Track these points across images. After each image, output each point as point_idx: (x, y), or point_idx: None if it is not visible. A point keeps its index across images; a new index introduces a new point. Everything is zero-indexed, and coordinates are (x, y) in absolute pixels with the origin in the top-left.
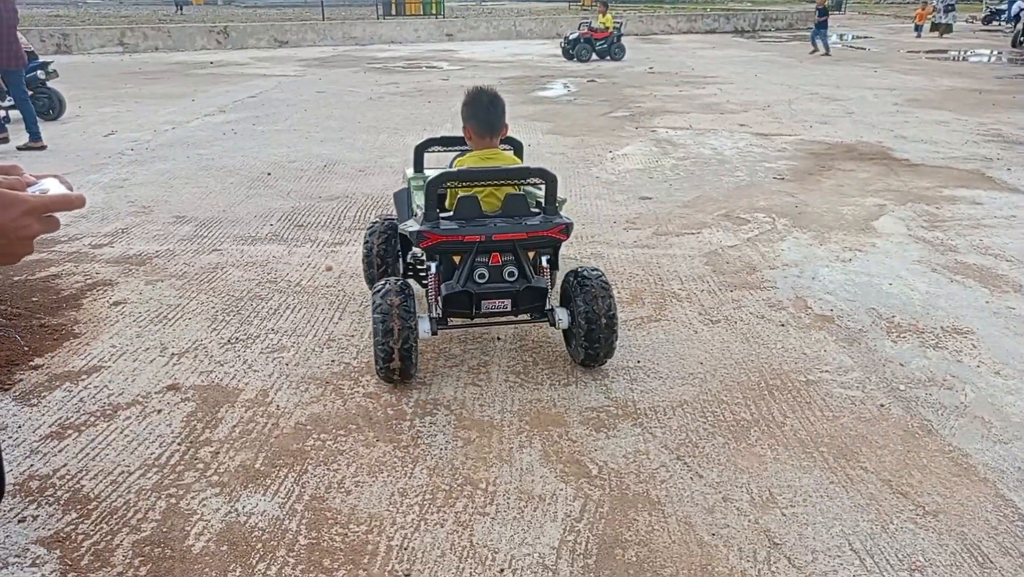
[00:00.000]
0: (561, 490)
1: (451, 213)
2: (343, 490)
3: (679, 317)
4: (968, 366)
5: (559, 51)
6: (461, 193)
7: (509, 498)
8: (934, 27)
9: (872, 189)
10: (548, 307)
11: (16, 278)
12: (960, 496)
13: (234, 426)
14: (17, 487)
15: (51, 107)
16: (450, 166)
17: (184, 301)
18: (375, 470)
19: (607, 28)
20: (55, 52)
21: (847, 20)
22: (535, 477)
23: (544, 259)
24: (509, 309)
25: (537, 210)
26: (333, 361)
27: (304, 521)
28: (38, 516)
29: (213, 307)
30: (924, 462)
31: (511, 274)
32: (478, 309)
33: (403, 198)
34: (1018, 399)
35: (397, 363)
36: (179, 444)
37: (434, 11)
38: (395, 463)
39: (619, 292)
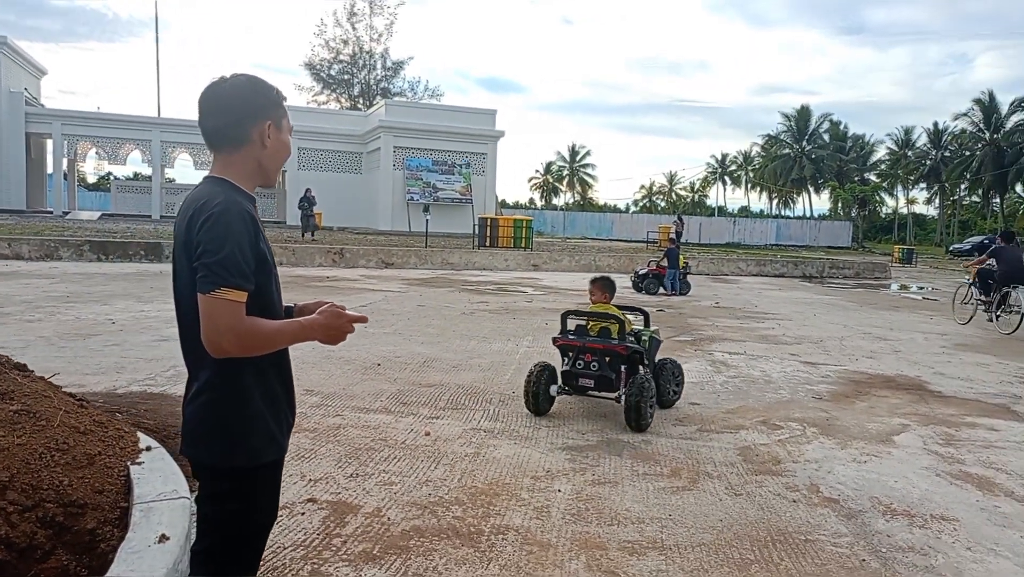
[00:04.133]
0: None
1: (573, 331)
2: (436, 572)
3: (709, 489)
4: (945, 542)
5: (630, 284)
6: (578, 322)
7: None
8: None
9: (901, 412)
10: (617, 394)
11: None
12: None
13: (357, 527)
14: None
15: None
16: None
17: (317, 447)
18: (460, 562)
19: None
20: None
21: (917, 273)
22: None
23: (623, 367)
24: (592, 386)
25: (616, 338)
26: (430, 495)
27: None
28: None
29: (338, 453)
30: None
31: (594, 366)
32: (576, 382)
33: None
34: (981, 567)
35: (530, 399)
36: (318, 535)
37: (523, 245)
38: (475, 560)
39: (661, 468)
